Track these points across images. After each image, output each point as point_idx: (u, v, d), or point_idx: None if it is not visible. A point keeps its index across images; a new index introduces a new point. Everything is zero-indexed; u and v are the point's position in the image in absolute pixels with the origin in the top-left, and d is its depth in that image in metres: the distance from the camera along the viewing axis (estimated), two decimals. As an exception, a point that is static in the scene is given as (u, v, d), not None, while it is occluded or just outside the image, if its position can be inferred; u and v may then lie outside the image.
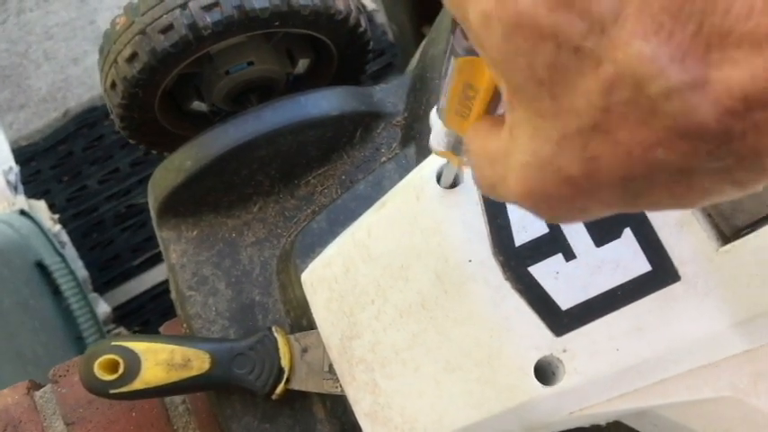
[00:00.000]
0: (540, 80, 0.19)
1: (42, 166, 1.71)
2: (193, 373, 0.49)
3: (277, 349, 0.50)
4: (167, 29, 0.50)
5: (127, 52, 0.52)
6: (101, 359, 0.49)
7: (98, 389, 0.49)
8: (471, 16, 0.21)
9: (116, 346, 0.49)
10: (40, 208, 1.51)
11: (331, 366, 0.49)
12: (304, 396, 0.52)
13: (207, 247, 0.55)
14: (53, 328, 1.25)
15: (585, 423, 0.47)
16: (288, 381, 0.50)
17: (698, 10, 0.17)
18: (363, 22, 0.59)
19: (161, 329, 0.60)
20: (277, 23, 0.53)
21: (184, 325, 0.56)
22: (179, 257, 0.55)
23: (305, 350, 0.50)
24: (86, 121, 1.75)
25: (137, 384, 0.49)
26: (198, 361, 0.49)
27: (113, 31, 0.53)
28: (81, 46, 1.83)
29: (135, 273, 1.59)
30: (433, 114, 0.33)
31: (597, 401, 0.41)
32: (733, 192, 0.20)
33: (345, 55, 0.61)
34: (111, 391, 0.49)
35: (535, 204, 0.22)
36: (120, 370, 0.48)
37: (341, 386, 0.48)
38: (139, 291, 1.58)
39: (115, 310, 1.50)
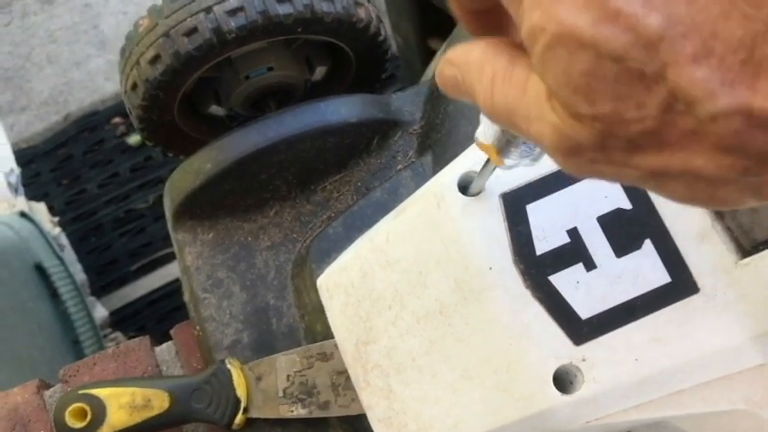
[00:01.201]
0: (576, 87, 0.20)
1: (42, 168, 1.71)
2: (155, 412, 0.51)
3: (231, 380, 0.51)
4: (191, 32, 0.51)
5: (150, 54, 0.52)
6: (70, 408, 0.51)
7: None
8: (523, 24, 0.21)
9: (83, 395, 0.52)
10: (40, 210, 1.50)
11: (285, 391, 0.51)
12: (316, 401, 0.52)
13: (222, 250, 0.55)
14: (50, 331, 1.24)
15: (600, 432, 0.47)
16: (246, 410, 0.51)
17: (749, 38, 0.18)
18: (383, 31, 0.59)
19: (172, 332, 0.60)
20: (300, 30, 0.53)
21: (197, 327, 0.56)
22: (194, 260, 0.55)
23: (259, 378, 0.52)
24: (87, 125, 1.75)
25: (104, 429, 0.51)
26: (158, 400, 0.52)
27: (136, 33, 0.53)
28: (84, 50, 1.83)
29: (132, 278, 1.59)
30: None
31: (614, 411, 0.42)
32: (752, 202, 0.21)
33: (363, 63, 0.62)
34: None
35: (561, 153, 0.23)
36: (88, 417, 0.51)
37: (296, 409, 0.51)
38: (136, 296, 1.57)
39: (112, 314, 1.50)
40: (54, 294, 1.28)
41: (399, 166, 0.56)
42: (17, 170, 1.51)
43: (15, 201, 1.45)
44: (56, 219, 1.51)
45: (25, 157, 1.70)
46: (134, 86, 0.55)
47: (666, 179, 0.21)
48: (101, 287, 1.59)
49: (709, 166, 0.20)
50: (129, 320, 1.57)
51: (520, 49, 0.24)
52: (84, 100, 1.78)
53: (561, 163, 0.23)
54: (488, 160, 0.41)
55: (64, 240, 1.50)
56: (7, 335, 1.10)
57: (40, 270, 1.25)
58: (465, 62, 0.26)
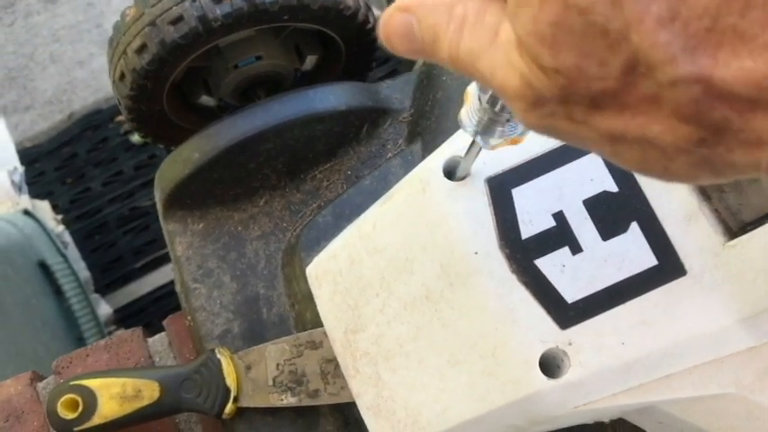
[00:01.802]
0: (542, 37, 0.20)
1: (46, 167, 1.71)
2: (145, 402, 0.52)
3: (221, 370, 0.51)
4: (177, 20, 0.51)
5: (136, 43, 0.52)
6: (62, 399, 0.52)
7: (63, 428, 0.52)
8: None
9: (74, 386, 0.52)
10: (44, 208, 1.51)
11: (275, 379, 0.51)
12: (307, 390, 0.52)
13: (213, 240, 0.55)
14: (54, 327, 1.25)
15: (590, 419, 0.47)
16: (236, 399, 0.51)
17: (714, 6, 0.17)
18: (372, 19, 0.59)
19: (164, 323, 0.60)
20: (286, 17, 0.53)
21: (188, 317, 0.56)
22: (185, 250, 0.55)
23: (249, 367, 0.52)
24: (91, 124, 1.75)
25: (96, 420, 0.52)
26: (148, 390, 0.52)
27: (123, 23, 0.53)
28: (87, 49, 1.83)
29: (137, 275, 1.59)
30: (471, 87, 0.33)
31: (602, 396, 0.41)
32: (707, 178, 0.21)
33: (353, 52, 0.61)
34: (75, 429, 0.52)
35: (520, 101, 0.22)
36: (80, 408, 0.51)
37: (286, 397, 0.50)
38: (141, 293, 1.57)
39: (117, 311, 1.50)
40: (58, 291, 1.29)
41: (389, 154, 0.56)
42: (21, 168, 1.52)
43: (19, 199, 1.45)
44: (59, 216, 1.51)
45: (30, 156, 1.71)
46: (122, 76, 0.55)
47: (622, 145, 0.21)
48: (106, 284, 1.59)
49: (665, 135, 0.20)
50: (135, 317, 1.57)
51: None
52: (88, 99, 1.78)
53: (522, 114, 0.23)
54: (473, 143, 0.41)
55: (67, 238, 1.51)
56: (11, 331, 1.11)
57: (44, 267, 1.26)
58: (428, 5, 0.25)
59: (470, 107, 0.34)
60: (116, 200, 1.67)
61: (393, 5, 0.27)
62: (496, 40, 0.23)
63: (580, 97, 0.20)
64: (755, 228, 0.39)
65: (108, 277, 1.58)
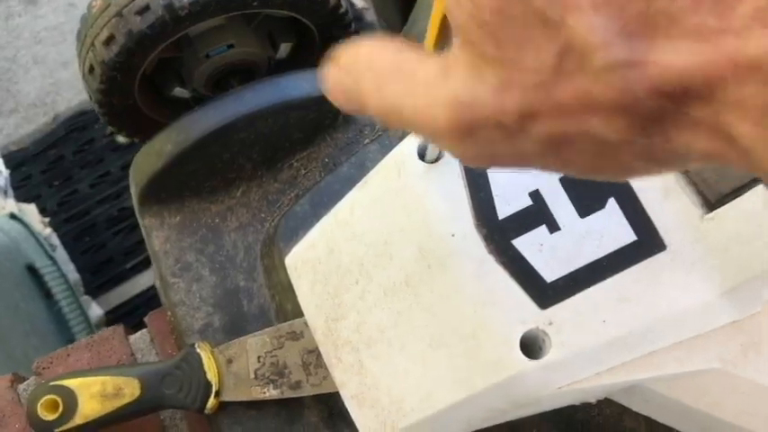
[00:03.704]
0: (484, 24, 0.20)
1: (33, 170, 1.70)
2: (126, 400, 0.51)
3: (202, 365, 0.51)
4: (144, 10, 0.50)
5: (104, 35, 0.51)
6: (42, 401, 0.51)
7: (44, 429, 0.51)
8: None
9: (54, 386, 0.51)
10: (30, 211, 1.50)
11: (256, 372, 0.50)
12: (290, 381, 0.51)
13: (190, 233, 0.55)
14: (44, 331, 1.24)
15: (576, 400, 0.46)
16: (218, 393, 0.51)
17: None
18: (344, 4, 0.58)
19: (146, 319, 0.59)
20: (255, 3, 0.52)
21: (169, 313, 0.55)
22: (162, 244, 0.55)
23: (230, 361, 0.51)
24: (76, 126, 1.74)
25: (77, 420, 0.51)
26: (129, 388, 0.51)
27: (90, 15, 0.52)
28: (70, 50, 1.82)
29: (128, 276, 1.58)
30: None
31: (585, 375, 0.41)
32: (654, 171, 0.21)
33: (327, 38, 0.61)
34: (56, 430, 0.51)
35: (455, 138, 0.22)
36: (60, 408, 0.51)
37: (268, 390, 0.50)
38: (132, 293, 1.57)
39: (109, 313, 1.49)
40: (47, 295, 1.28)
41: (367, 140, 0.55)
42: (5, 172, 1.51)
43: (5, 203, 1.44)
44: (46, 219, 1.50)
45: (15, 159, 1.69)
46: (91, 69, 0.54)
47: (567, 149, 0.20)
48: (97, 286, 1.58)
49: (605, 128, 0.19)
50: (127, 318, 1.56)
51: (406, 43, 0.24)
52: (73, 100, 1.77)
53: (458, 148, 0.23)
54: None
55: (55, 240, 1.50)
56: (1, 336, 1.10)
57: (32, 271, 1.25)
58: (351, 60, 0.25)
59: None
60: (104, 201, 1.66)
61: (330, 58, 0.26)
62: (416, 81, 0.23)
63: (515, 101, 0.20)
64: (733, 199, 0.38)
65: (98, 279, 1.58)
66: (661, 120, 0.18)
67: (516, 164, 0.22)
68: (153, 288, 1.56)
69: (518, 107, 0.20)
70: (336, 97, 0.27)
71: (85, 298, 1.44)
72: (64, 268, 1.38)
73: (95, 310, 1.46)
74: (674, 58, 0.17)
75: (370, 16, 1.60)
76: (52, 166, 1.71)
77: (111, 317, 1.50)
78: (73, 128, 1.75)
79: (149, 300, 1.55)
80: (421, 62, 0.23)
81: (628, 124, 0.19)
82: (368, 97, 0.25)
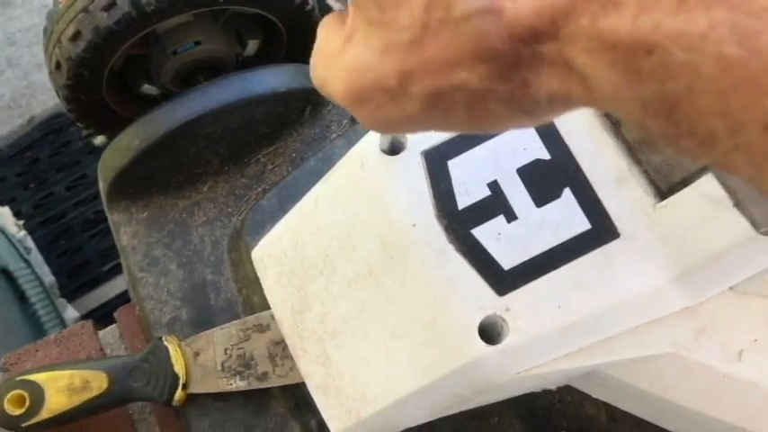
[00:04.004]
0: None
1: (8, 173, 1.69)
2: (94, 393, 0.51)
3: (169, 357, 0.51)
4: (110, 6, 0.50)
5: (70, 31, 0.51)
6: (8, 396, 0.51)
7: (11, 424, 0.51)
8: None
9: (20, 381, 0.51)
10: (4, 214, 1.48)
11: (223, 364, 0.51)
12: (258, 373, 0.52)
13: (157, 228, 0.55)
14: (19, 334, 1.23)
15: (536, 386, 0.47)
16: (186, 386, 0.51)
17: None
18: (310, 0, 0.59)
19: (115, 314, 0.60)
20: (222, 0, 0.53)
21: (137, 308, 0.56)
22: (130, 239, 0.55)
23: (197, 354, 0.52)
24: (52, 128, 1.73)
25: (44, 414, 0.51)
26: (96, 381, 0.51)
27: (56, 11, 0.53)
28: (45, 52, 1.81)
29: (105, 278, 1.57)
30: None
31: (543, 361, 0.42)
32: (525, 120, 0.22)
33: (294, 34, 0.61)
34: (23, 425, 0.51)
35: (353, 106, 0.24)
36: (27, 403, 0.51)
37: (235, 382, 0.50)
38: (110, 296, 1.56)
39: (85, 316, 1.48)
40: (22, 298, 1.27)
41: (333, 135, 0.56)
42: (-20, 175, 1.49)
43: (-23, 207, 1.43)
44: (20, 222, 1.49)
45: (-10, 162, 1.68)
46: (58, 66, 0.54)
47: (444, 104, 0.22)
48: (74, 289, 1.57)
49: (469, 78, 0.20)
50: (106, 321, 1.55)
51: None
52: (48, 102, 1.75)
53: (356, 114, 0.24)
54: None
55: (30, 243, 1.49)
56: (-26, 338, 1.09)
57: (6, 274, 1.24)
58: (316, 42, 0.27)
59: None
60: (80, 203, 1.65)
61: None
62: (328, 55, 0.25)
63: (393, 63, 0.21)
64: (684, 187, 0.39)
65: (75, 282, 1.56)
66: (517, 64, 0.19)
67: (409, 127, 0.24)
68: (129, 291, 1.55)
69: (396, 68, 0.22)
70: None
71: (61, 301, 1.43)
72: (39, 271, 1.37)
73: (71, 314, 1.45)
74: (527, 3, 0.18)
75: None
76: (27, 169, 1.69)
77: (89, 320, 1.49)
78: (48, 130, 1.74)
79: (126, 303, 1.54)
80: (335, 34, 0.25)
81: (488, 71, 0.20)
82: (312, 72, 0.27)
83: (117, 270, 1.57)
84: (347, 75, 0.23)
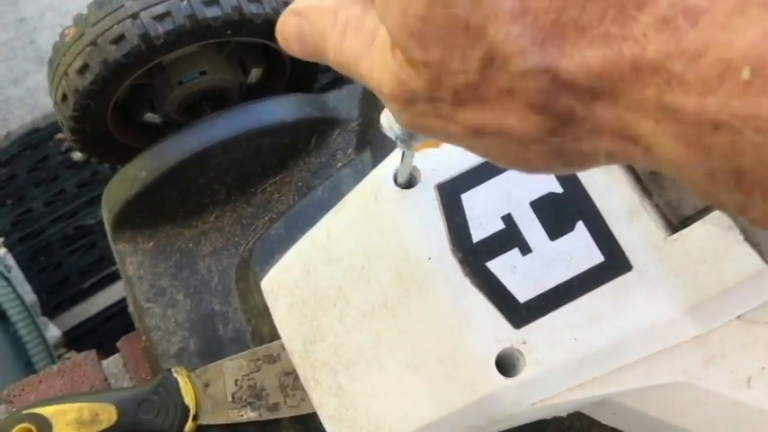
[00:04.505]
0: (410, 30, 0.21)
1: (-16, 189, 1.66)
2: (103, 426, 0.51)
3: (179, 389, 0.51)
4: (119, 39, 0.50)
5: (78, 64, 0.51)
6: (15, 429, 0.50)
7: None
8: None
9: (27, 414, 0.51)
10: (-17, 232, 1.46)
11: (234, 395, 0.51)
12: (268, 403, 0.52)
13: (164, 258, 0.55)
14: (1, 354, 1.22)
15: (548, 414, 0.48)
16: (196, 417, 0.51)
17: (560, 0, 0.19)
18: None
19: (119, 344, 0.59)
20: (229, 32, 0.53)
21: (144, 338, 0.55)
22: (136, 269, 0.55)
23: (207, 385, 0.52)
24: (29, 143, 1.71)
25: None
26: (105, 414, 0.51)
27: (63, 43, 0.52)
28: (21, 66, 1.78)
29: (86, 295, 1.55)
30: None
31: (558, 391, 0.42)
32: (562, 170, 0.23)
33: (297, 63, 0.62)
34: None
35: (396, 102, 0.24)
36: None
37: (246, 413, 0.50)
38: (91, 313, 1.54)
39: (66, 333, 1.47)
40: (2, 317, 1.25)
41: (339, 164, 0.56)
42: (-42, 192, 1.47)
43: (-43, 224, 1.41)
44: (0, 240, 1.47)
45: (-33, 178, 1.65)
46: (64, 98, 0.54)
47: (485, 138, 0.22)
48: (54, 306, 1.55)
49: (519, 126, 0.21)
50: (86, 338, 1.54)
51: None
52: (25, 117, 1.73)
53: (397, 113, 0.25)
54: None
55: (10, 261, 1.47)
56: (-45, 360, 1.07)
57: (-14, 293, 1.23)
58: (316, 10, 0.27)
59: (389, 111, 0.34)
60: (60, 219, 1.63)
61: (288, 8, 0.28)
62: (374, 43, 0.24)
63: (446, 91, 0.22)
64: (695, 221, 0.40)
65: (55, 299, 1.54)
66: (571, 120, 0.20)
67: (443, 138, 0.24)
68: (111, 307, 1.54)
69: (448, 102, 0.22)
70: (291, 45, 0.28)
71: (42, 319, 1.41)
72: (20, 289, 1.35)
73: (53, 332, 1.43)
74: (582, 62, 0.19)
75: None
76: (5, 185, 1.67)
77: (69, 337, 1.47)
78: (26, 146, 1.72)
79: (108, 319, 1.52)
80: (381, 27, 0.24)
81: (540, 123, 0.20)
82: (329, 46, 0.26)
83: (98, 286, 1.55)
84: (398, 73, 0.23)
